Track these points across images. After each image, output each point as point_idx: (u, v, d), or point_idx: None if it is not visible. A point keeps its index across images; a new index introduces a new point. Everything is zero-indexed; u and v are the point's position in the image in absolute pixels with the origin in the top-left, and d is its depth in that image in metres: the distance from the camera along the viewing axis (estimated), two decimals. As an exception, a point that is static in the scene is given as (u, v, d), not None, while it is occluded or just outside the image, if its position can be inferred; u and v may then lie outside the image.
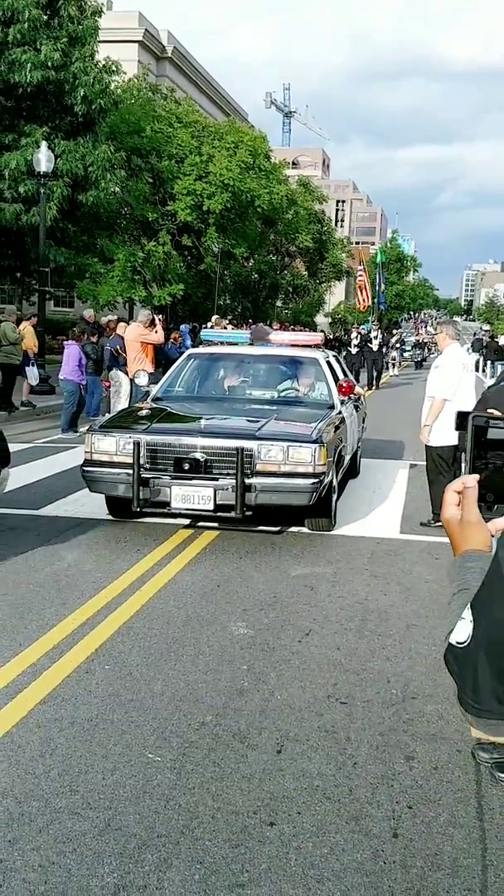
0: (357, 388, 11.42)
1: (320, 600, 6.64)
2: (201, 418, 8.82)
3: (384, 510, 9.82)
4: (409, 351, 50.50)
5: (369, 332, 31.80)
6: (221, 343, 11.30)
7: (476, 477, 1.56)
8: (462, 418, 1.62)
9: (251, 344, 10.85)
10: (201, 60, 59.30)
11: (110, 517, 8.78)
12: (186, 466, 7.80)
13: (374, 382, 28.94)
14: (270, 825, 3.65)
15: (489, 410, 4.09)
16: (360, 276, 46.30)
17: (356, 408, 10.97)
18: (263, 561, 7.65)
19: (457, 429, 1.66)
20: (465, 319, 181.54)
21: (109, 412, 14.78)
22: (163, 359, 19.09)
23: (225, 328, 21.61)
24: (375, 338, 30.00)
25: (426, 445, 8.93)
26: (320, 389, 9.92)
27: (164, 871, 3.32)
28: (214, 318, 24.45)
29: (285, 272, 50.28)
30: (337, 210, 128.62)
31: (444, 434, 8.52)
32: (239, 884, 3.26)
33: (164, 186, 31.50)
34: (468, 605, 1.37)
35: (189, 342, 23.79)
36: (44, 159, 20.68)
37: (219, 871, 3.33)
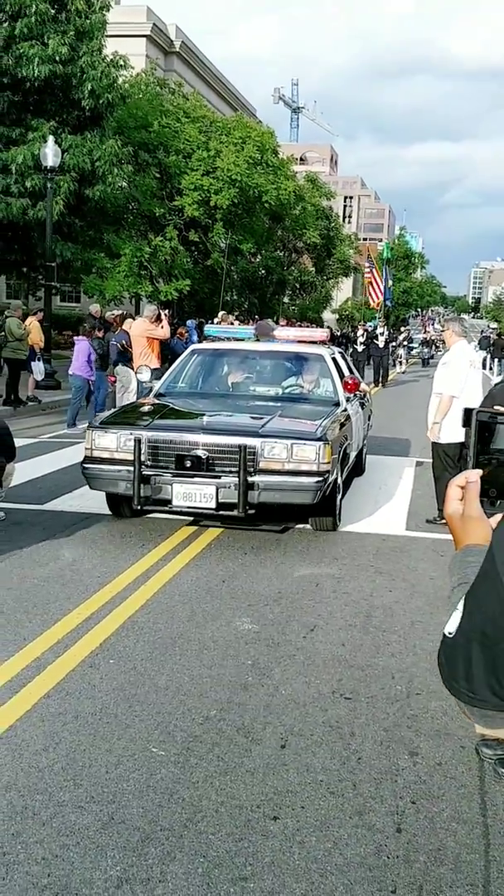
0: (363, 385, 11.28)
1: (325, 596, 6.64)
2: (204, 415, 8.65)
3: (390, 507, 9.82)
4: (416, 348, 50.44)
5: (375, 328, 31.73)
6: (228, 339, 11.21)
7: (479, 472, 1.56)
8: (469, 415, 1.62)
9: (256, 340, 10.72)
10: (209, 55, 59.27)
11: (116, 512, 8.77)
12: (188, 464, 7.70)
13: (381, 380, 28.86)
14: (274, 819, 3.66)
15: (496, 407, 4.08)
16: (368, 272, 46.22)
17: (362, 405, 10.88)
18: (269, 556, 7.65)
19: (464, 425, 1.66)
20: (473, 317, 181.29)
21: (115, 408, 14.76)
22: (169, 354, 19.07)
23: (231, 324, 21.59)
24: (382, 335, 29.92)
25: (433, 442, 8.91)
26: (325, 386, 9.82)
27: (167, 864, 3.32)
28: (221, 313, 24.44)
29: (292, 268, 50.22)
30: (345, 206, 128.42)
31: (452, 431, 8.51)
32: (242, 877, 3.27)
33: (172, 181, 31.48)
34: (463, 597, 1.37)
35: (195, 337, 23.77)
36: (51, 154, 20.68)
37: (222, 864, 3.34)
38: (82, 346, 15.53)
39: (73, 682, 4.93)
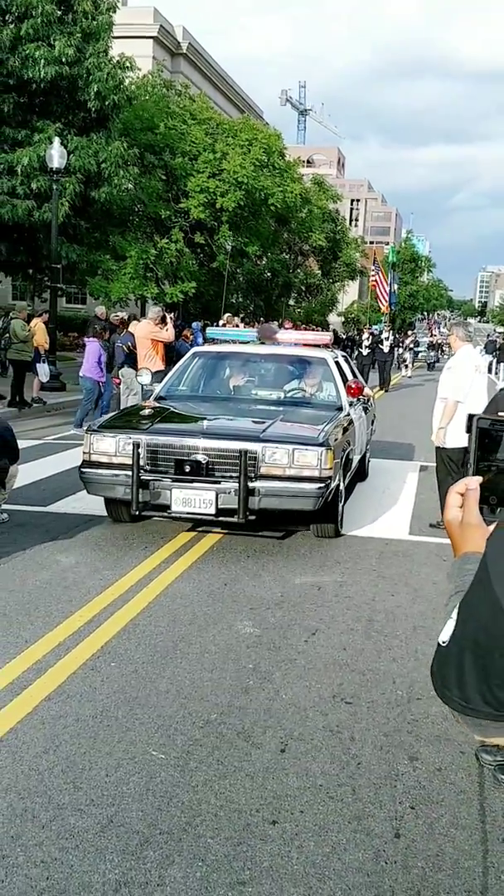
0: (366, 390, 11.18)
1: (327, 600, 6.64)
2: (204, 419, 8.52)
3: (393, 511, 9.81)
4: (422, 352, 50.41)
5: (380, 332, 31.70)
6: (234, 342, 11.14)
7: (478, 479, 1.56)
8: (471, 420, 1.62)
9: (262, 343, 10.63)
10: (217, 57, 59.33)
11: (119, 514, 8.77)
12: (188, 468, 7.60)
13: (385, 384, 28.83)
14: (273, 823, 3.66)
15: (501, 413, 4.08)
16: (373, 277, 46.20)
17: (365, 410, 10.77)
18: (271, 560, 7.65)
19: (467, 431, 1.66)
20: (480, 321, 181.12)
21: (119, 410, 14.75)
22: (174, 356, 19.07)
23: (237, 326, 21.60)
24: (387, 339, 29.89)
25: (437, 447, 8.90)
26: (328, 390, 9.74)
27: (165, 868, 3.33)
28: (226, 315, 24.45)
29: (298, 271, 50.21)
30: (351, 209, 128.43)
31: (456, 436, 8.50)
32: (240, 881, 3.27)
33: (178, 184, 31.50)
34: (457, 605, 1.38)
35: (200, 340, 23.75)
36: (56, 155, 20.71)
37: (220, 868, 3.34)
38: (93, 348, 15.53)
39: (73, 684, 4.94)
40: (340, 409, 9.22)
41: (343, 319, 68.08)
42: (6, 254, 24.37)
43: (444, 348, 48.10)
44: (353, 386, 9.69)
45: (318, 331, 29.15)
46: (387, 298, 45.07)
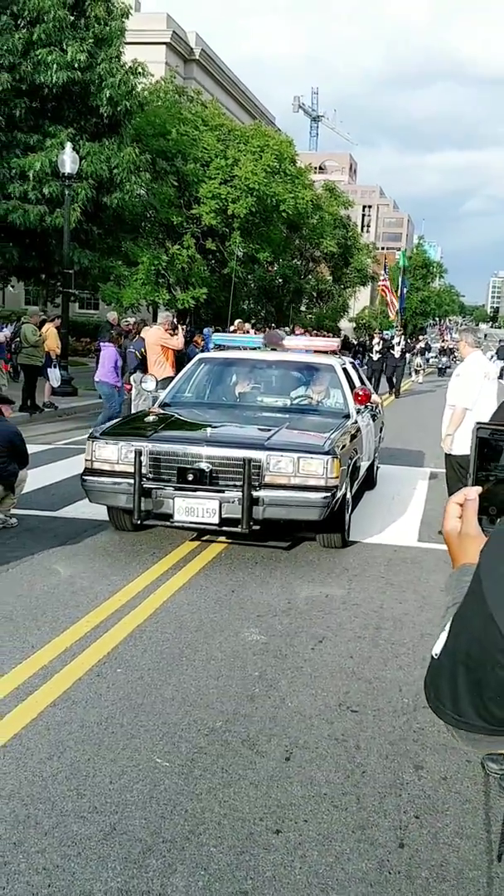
0: (374, 397, 11.03)
1: (335, 608, 6.62)
2: (208, 426, 8.31)
3: (402, 518, 9.79)
4: (434, 357, 50.33)
5: (392, 338, 31.63)
6: (243, 348, 11.09)
7: (478, 489, 1.55)
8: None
9: (273, 349, 10.51)
10: (229, 63, 59.46)
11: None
12: (191, 477, 7.43)
13: (395, 390, 28.76)
14: (276, 833, 3.64)
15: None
16: (382, 282, 46.13)
17: (373, 417, 10.64)
18: (278, 567, 7.63)
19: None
20: (492, 326, 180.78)
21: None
22: (186, 361, 19.10)
23: (247, 332, 21.60)
24: (398, 344, 29.83)
25: (446, 454, 8.87)
26: (335, 397, 9.59)
27: (167, 876, 3.32)
28: (237, 321, 24.45)
29: (309, 277, 50.23)
30: (363, 215, 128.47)
31: (464, 443, 8.46)
32: (242, 891, 3.26)
33: (189, 190, 31.56)
34: (451, 618, 1.37)
35: (212, 346, 23.78)
36: (68, 161, 20.77)
37: (223, 877, 3.33)
38: (109, 353, 15.55)
39: (79, 691, 4.93)
40: (347, 416, 9.09)
41: (354, 325, 68.05)
42: (18, 259, 24.47)
43: (455, 354, 47.97)
44: (361, 393, 9.53)
45: (328, 336, 29.11)
46: (395, 304, 44.96)
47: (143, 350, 16.08)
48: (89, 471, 7.87)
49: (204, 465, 7.49)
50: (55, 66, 22.23)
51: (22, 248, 24.38)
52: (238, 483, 7.34)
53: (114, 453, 7.75)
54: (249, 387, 9.97)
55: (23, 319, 19.59)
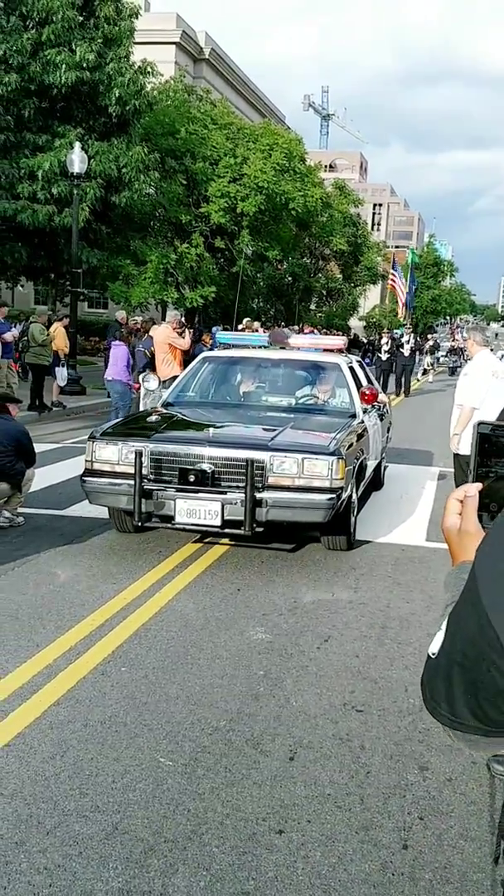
0: (381, 396, 10.85)
1: (341, 607, 6.60)
2: (211, 426, 8.17)
3: (411, 517, 9.75)
4: (444, 356, 50.16)
5: (401, 336, 31.52)
6: (251, 346, 10.92)
7: (478, 486, 1.53)
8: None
9: (282, 348, 10.33)
10: (239, 63, 59.42)
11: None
12: (192, 478, 7.28)
13: (405, 389, 28.66)
14: (279, 833, 3.62)
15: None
16: (391, 279, 45.97)
17: (380, 417, 10.46)
18: (284, 566, 7.61)
19: None
20: (503, 325, 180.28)
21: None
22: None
23: (256, 331, 21.57)
24: (407, 342, 29.72)
25: (455, 453, 8.84)
26: (341, 397, 9.42)
27: (169, 876, 3.30)
28: (246, 320, 24.43)
29: (319, 275, 50.12)
30: (374, 214, 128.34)
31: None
32: (244, 892, 3.24)
33: (198, 188, 31.51)
34: (445, 617, 1.34)
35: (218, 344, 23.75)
36: (77, 160, 20.78)
37: (224, 878, 3.31)
38: (121, 352, 15.55)
39: (83, 689, 4.92)
40: (354, 416, 8.95)
41: (364, 324, 67.94)
42: (27, 259, 24.49)
43: (465, 352, 47.78)
44: (368, 392, 9.38)
45: (338, 335, 29.03)
46: (403, 300, 44.77)
47: (151, 349, 16.09)
48: (89, 472, 7.73)
49: (206, 466, 7.35)
50: (64, 66, 22.22)
51: (31, 247, 24.39)
52: (241, 484, 7.19)
53: (114, 454, 7.61)
54: (254, 386, 9.83)
55: (31, 319, 19.59)
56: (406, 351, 29.20)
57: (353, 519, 8.17)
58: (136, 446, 7.47)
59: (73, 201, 21.31)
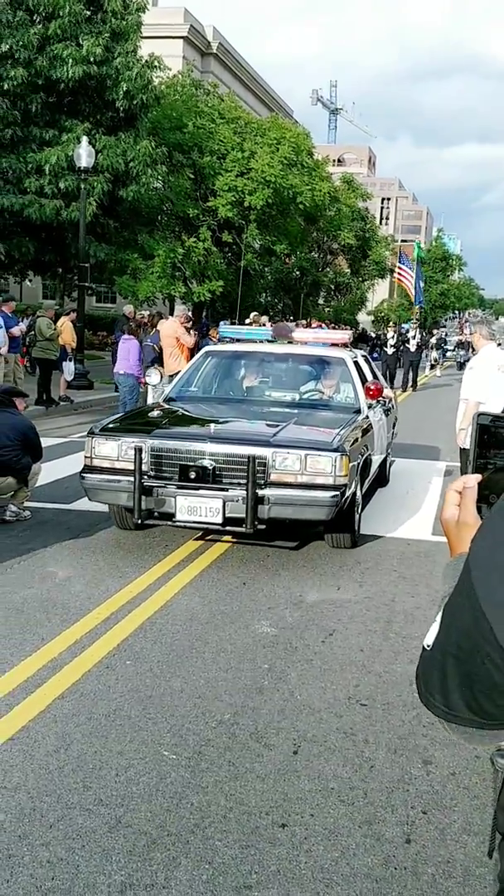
0: (387, 391, 10.69)
1: (346, 601, 6.59)
2: (213, 422, 8.08)
3: (416, 512, 9.73)
4: (451, 351, 50.03)
5: (408, 331, 31.42)
6: (256, 341, 10.82)
7: (477, 477, 1.53)
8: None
9: (290, 342, 10.16)
10: (247, 57, 59.29)
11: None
12: (193, 475, 7.18)
13: (412, 384, 28.60)
14: (282, 826, 3.62)
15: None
16: (398, 272, 45.78)
17: (386, 412, 10.30)
18: (290, 559, 7.61)
19: None
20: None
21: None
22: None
23: (263, 325, 21.54)
24: (413, 337, 29.63)
25: (461, 448, 8.81)
26: (346, 392, 9.30)
27: (171, 870, 3.30)
28: (253, 314, 24.39)
29: (327, 269, 50.04)
30: (382, 208, 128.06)
31: (478, 436, 8.38)
32: (246, 885, 3.24)
33: (206, 182, 31.46)
34: (441, 609, 1.34)
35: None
36: (84, 154, 20.76)
37: (227, 871, 3.31)
38: (132, 345, 15.54)
39: (88, 683, 4.93)
40: (358, 411, 8.83)
41: (373, 318, 67.83)
42: (34, 253, 24.47)
43: (472, 346, 47.54)
44: (373, 387, 9.22)
45: (345, 329, 28.97)
46: (412, 291, 44.56)
47: (159, 343, 16.08)
48: (89, 468, 7.62)
49: (207, 463, 7.23)
50: (71, 60, 22.17)
51: (38, 242, 24.38)
52: (242, 481, 7.06)
53: (113, 450, 7.49)
54: (257, 381, 9.72)
55: (38, 313, 19.60)
56: (412, 346, 29.12)
57: (357, 516, 8.06)
58: (136, 442, 7.34)
59: (80, 196, 21.30)
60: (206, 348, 10.91)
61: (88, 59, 22.43)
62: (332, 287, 52.42)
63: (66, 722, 4.45)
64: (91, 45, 22.32)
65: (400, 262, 44.92)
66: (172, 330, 15.58)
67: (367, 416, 8.86)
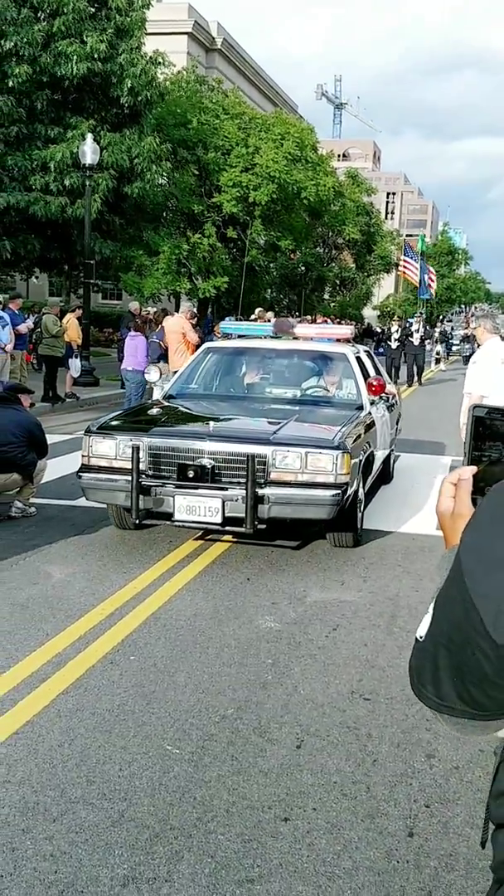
0: (390, 387, 10.50)
1: (350, 596, 6.60)
2: (212, 419, 7.99)
3: (421, 506, 9.72)
4: (457, 345, 49.90)
5: (411, 325, 31.32)
6: (254, 337, 10.49)
7: (472, 469, 1.53)
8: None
9: (294, 338, 10.03)
10: (252, 52, 59.20)
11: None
12: (192, 474, 7.06)
13: (417, 378, 28.52)
14: (285, 821, 3.63)
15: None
16: (403, 265, 45.64)
17: (389, 408, 10.11)
18: (294, 554, 7.61)
19: None
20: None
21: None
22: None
23: (268, 321, 21.54)
24: (417, 331, 29.51)
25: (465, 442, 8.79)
26: (348, 388, 9.15)
27: (174, 863, 3.32)
28: (258, 310, 24.39)
29: (332, 264, 50.00)
30: (387, 203, 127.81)
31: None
32: (249, 879, 3.25)
33: (210, 178, 31.46)
34: (434, 600, 1.35)
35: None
36: (89, 151, 20.76)
37: (229, 865, 3.32)
38: (140, 342, 15.53)
39: (92, 678, 4.95)
40: (361, 407, 8.69)
41: (378, 313, 67.75)
42: (40, 250, 24.53)
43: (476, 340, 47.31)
44: (375, 383, 9.07)
45: (349, 325, 28.92)
46: (416, 281, 44.35)
47: (164, 340, 16.10)
48: (86, 467, 7.49)
49: (206, 462, 7.11)
50: (75, 57, 22.20)
51: (44, 239, 24.42)
52: (242, 480, 6.93)
53: (111, 448, 7.36)
54: (258, 377, 9.59)
55: (44, 310, 19.62)
56: (416, 340, 29.00)
57: (359, 514, 7.97)
58: (134, 441, 7.24)
59: (85, 192, 21.31)
60: (207, 345, 10.77)
61: (93, 56, 22.46)
62: (338, 282, 52.38)
63: (69, 717, 4.47)
64: (95, 42, 22.34)
65: (405, 254, 44.75)
66: (178, 326, 15.59)
67: (370, 413, 8.74)
